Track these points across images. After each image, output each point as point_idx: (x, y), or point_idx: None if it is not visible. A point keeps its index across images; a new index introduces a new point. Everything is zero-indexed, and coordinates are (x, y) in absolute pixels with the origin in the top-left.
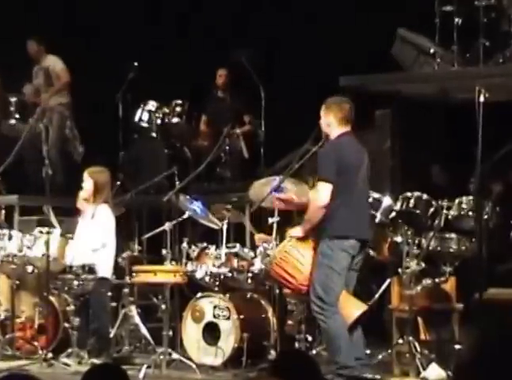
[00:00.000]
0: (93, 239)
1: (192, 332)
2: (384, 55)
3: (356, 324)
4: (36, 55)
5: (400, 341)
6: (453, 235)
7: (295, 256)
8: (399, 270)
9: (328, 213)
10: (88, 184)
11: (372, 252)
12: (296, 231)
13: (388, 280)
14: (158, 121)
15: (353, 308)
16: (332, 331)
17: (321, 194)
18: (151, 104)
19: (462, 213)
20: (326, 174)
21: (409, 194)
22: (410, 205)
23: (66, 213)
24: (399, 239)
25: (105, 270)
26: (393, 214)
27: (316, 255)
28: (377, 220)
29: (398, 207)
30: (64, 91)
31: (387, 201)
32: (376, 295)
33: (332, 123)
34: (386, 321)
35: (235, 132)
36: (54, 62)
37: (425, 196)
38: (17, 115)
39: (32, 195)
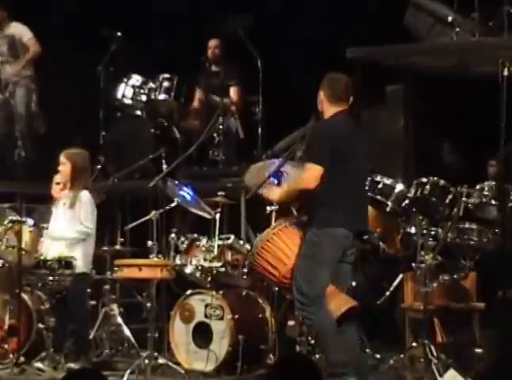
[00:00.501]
0: (72, 229)
1: (180, 334)
2: (395, 24)
3: (343, 320)
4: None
5: (414, 344)
6: (474, 225)
7: (278, 246)
8: (413, 265)
9: (317, 199)
10: (65, 167)
11: (382, 245)
12: (273, 193)
13: (401, 276)
14: (144, 97)
15: (339, 303)
16: (318, 328)
17: (309, 176)
18: (136, 79)
19: (484, 200)
20: (316, 156)
21: (424, 179)
22: (426, 192)
23: (40, 200)
24: (412, 230)
25: (84, 264)
26: (406, 201)
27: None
28: (388, 209)
29: (412, 193)
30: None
31: (399, 187)
32: (387, 293)
33: (323, 101)
34: (398, 322)
35: (229, 109)
36: (20, 31)
37: (442, 182)
38: None
39: (1, 180)
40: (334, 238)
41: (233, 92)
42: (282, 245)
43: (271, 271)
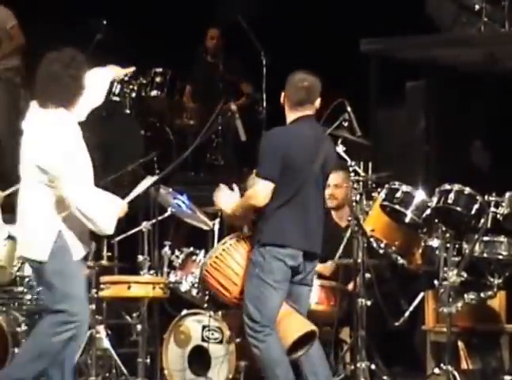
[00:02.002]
0: None
1: (175, 360)
2: (416, 13)
3: (298, 349)
4: None
5: (436, 371)
6: (503, 238)
7: (228, 264)
8: (435, 282)
9: (264, 214)
10: None
11: (400, 260)
12: (225, 205)
13: (421, 295)
14: (133, 94)
15: (293, 328)
16: (265, 357)
17: (259, 192)
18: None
19: None
20: (266, 171)
21: (447, 187)
22: (449, 201)
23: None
24: (434, 243)
25: None
26: (427, 211)
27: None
28: (407, 219)
29: (433, 202)
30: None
31: (419, 196)
32: (406, 314)
33: (286, 105)
34: (418, 346)
35: (230, 108)
36: (3, 17)
37: (467, 190)
38: None
39: None
40: (281, 258)
41: (245, 88)
42: (232, 263)
43: (221, 290)
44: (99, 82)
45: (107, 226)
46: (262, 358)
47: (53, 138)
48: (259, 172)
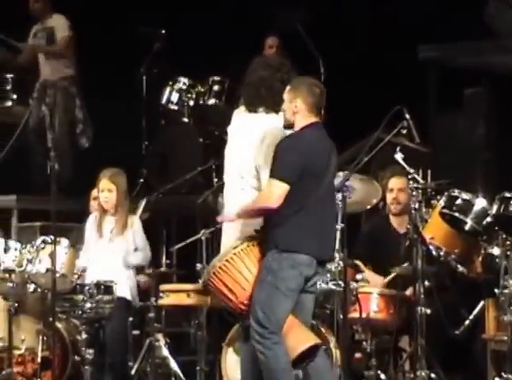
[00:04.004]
0: (119, 260)
1: (234, 367)
2: (475, 19)
3: (302, 360)
4: (40, 11)
5: None
6: None
7: (238, 268)
8: (496, 290)
9: (279, 220)
10: (112, 194)
11: (461, 268)
12: (227, 216)
13: (482, 303)
14: (191, 103)
15: (298, 340)
16: (272, 366)
17: (273, 193)
18: (183, 82)
19: None
20: (283, 172)
21: (508, 194)
22: (510, 208)
23: (75, 218)
24: (495, 251)
25: (126, 289)
26: (488, 219)
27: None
28: (467, 227)
29: (494, 210)
30: (67, 59)
31: (479, 203)
32: (467, 322)
33: (300, 110)
34: (479, 355)
35: None
36: (59, 25)
37: None
38: (15, 96)
39: (33, 195)
40: (297, 266)
41: None
42: (242, 268)
43: (227, 294)
44: None
45: None
46: (268, 366)
47: (266, 140)
48: (275, 174)
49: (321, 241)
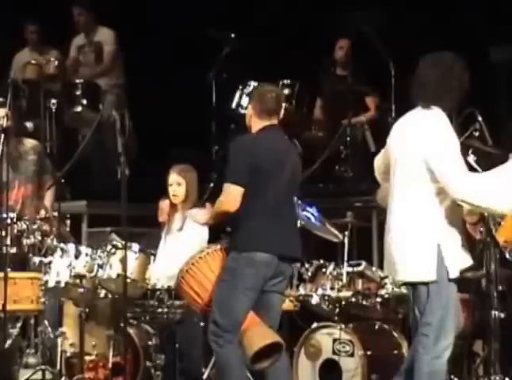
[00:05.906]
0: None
1: (306, 372)
2: None
3: (263, 359)
4: (85, 24)
5: None
6: None
7: (203, 271)
8: None
9: (238, 222)
10: (181, 187)
11: None
12: (199, 217)
13: None
14: None
15: (257, 338)
16: (222, 364)
17: (228, 197)
18: (253, 86)
19: None
20: (234, 175)
21: None
22: None
23: (145, 223)
24: None
25: None
26: None
27: None
28: None
29: None
30: (115, 72)
31: None
32: None
33: (252, 115)
34: None
35: (359, 120)
36: (105, 38)
37: None
38: (85, 101)
39: (104, 200)
40: (255, 265)
41: (370, 102)
42: (207, 270)
43: (195, 298)
44: None
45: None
46: (220, 363)
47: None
48: (228, 178)
49: (282, 238)
